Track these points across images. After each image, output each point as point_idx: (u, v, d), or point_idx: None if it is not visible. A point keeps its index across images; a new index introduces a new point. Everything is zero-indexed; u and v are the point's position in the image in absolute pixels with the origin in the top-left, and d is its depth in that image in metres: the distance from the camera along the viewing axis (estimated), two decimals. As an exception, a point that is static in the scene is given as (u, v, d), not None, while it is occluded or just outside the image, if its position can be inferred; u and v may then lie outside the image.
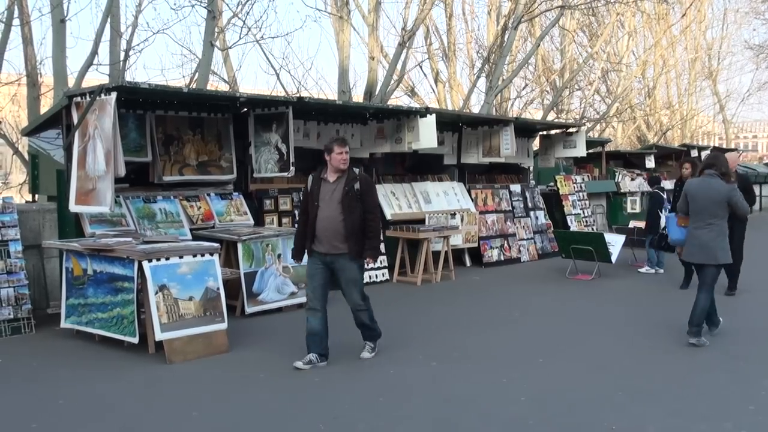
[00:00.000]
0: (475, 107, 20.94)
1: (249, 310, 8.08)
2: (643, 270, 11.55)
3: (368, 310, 6.30)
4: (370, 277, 10.57)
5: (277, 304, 8.36)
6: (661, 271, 11.43)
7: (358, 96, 16.62)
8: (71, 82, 11.35)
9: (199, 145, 9.31)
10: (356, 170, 6.29)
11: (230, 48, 15.51)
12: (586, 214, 15.21)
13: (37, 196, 9.29)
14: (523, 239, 13.39)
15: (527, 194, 13.97)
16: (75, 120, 7.79)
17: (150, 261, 6.36)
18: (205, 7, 11.98)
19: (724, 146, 30.31)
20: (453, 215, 11.91)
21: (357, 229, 6.04)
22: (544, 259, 13.40)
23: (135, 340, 6.47)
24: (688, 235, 6.91)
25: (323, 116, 10.79)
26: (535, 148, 15.42)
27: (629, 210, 16.70)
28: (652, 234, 11.50)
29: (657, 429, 4.66)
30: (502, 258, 12.78)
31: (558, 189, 14.88)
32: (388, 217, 11.15)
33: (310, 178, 6.35)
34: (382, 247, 10.58)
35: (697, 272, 7.25)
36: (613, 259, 11.07)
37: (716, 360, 6.29)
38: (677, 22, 27.90)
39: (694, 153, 20.48)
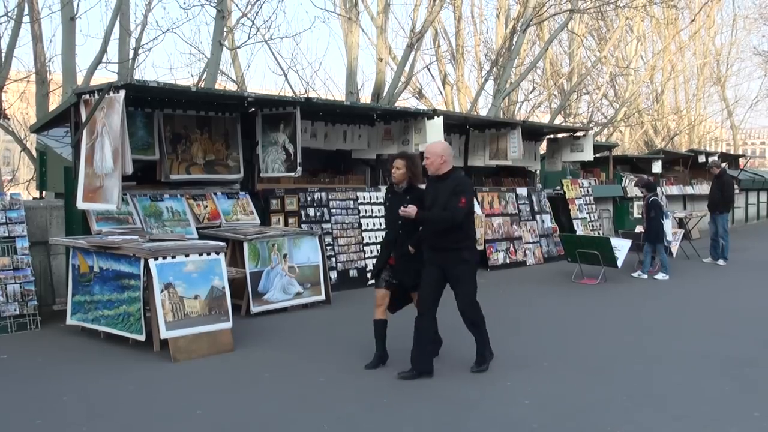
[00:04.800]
0: (483, 110, 20.92)
1: (254, 309, 8.09)
2: (635, 275, 11.49)
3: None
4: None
5: (283, 304, 8.37)
6: (667, 276, 11.40)
7: (365, 97, 16.63)
8: (80, 80, 11.40)
9: (207, 144, 9.33)
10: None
11: (239, 48, 15.56)
12: (592, 218, 15.18)
13: (44, 192, 9.32)
14: (529, 243, 13.37)
15: (534, 197, 13.95)
16: (83, 117, 7.82)
17: (156, 259, 6.37)
18: (214, 7, 12.01)
19: (732, 152, 30.19)
20: (459, 218, 11.88)
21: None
22: (550, 262, 13.37)
23: (142, 337, 6.48)
24: None
25: (331, 117, 10.80)
26: (542, 152, 15.41)
27: (636, 215, 16.64)
28: (659, 242, 11.46)
29: (661, 434, 4.65)
30: (507, 261, 12.76)
31: (564, 193, 14.85)
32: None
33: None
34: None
35: None
36: (619, 263, 11.03)
37: (721, 366, 6.26)
38: (686, 27, 27.84)
39: (702, 159, 20.42)
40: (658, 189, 16.81)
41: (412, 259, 5.99)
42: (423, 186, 6.09)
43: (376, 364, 6.08)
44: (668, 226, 11.71)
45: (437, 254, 5.83)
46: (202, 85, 12.64)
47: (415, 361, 5.82)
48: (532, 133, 14.18)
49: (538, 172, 15.28)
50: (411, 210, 5.63)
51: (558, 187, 15.10)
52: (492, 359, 6.09)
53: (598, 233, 14.87)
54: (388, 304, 6.21)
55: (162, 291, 6.33)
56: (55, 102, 12.23)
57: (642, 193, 12.28)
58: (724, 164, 17.64)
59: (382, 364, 6.09)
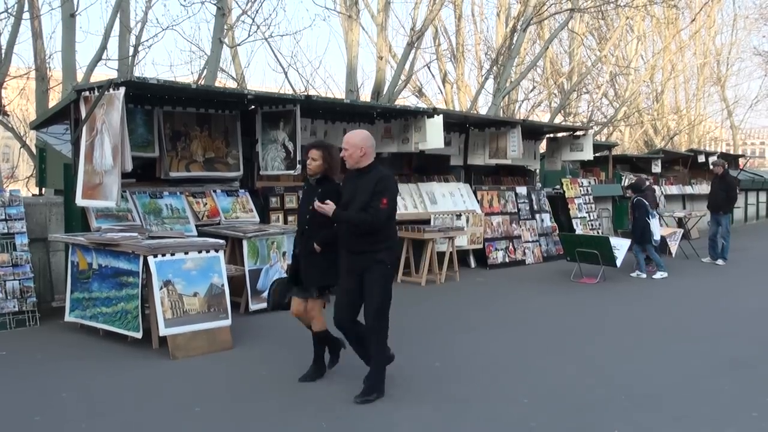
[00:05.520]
0: (483, 109, 20.91)
1: (253, 307, 8.09)
2: (634, 275, 11.50)
3: None
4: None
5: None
6: (665, 274, 11.41)
7: (365, 95, 16.62)
8: (80, 77, 11.39)
9: (207, 141, 9.33)
10: None
11: (239, 45, 15.56)
12: (591, 218, 15.18)
13: (43, 189, 9.32)
14: (529, 241, 13.37)
15: (533, 196, 13.95)
16: (83, 114, 7.81)
17: (155, 256, 6.37)
18: (214, 4, 12.01)
19: (732, 152, 30.20)
20: (458, 216, 11.90)
21: None
22: (549, 261, 13.38)
23: (138, 335, 6.48)
24: None
25: (330, 115, 10.80)
26: (542, 151, 15.41)
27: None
28: (646, 242, 11.47)
29: (660, 434, 4.65)
30: (506, 260, 12.76)
31: (564, 192, 14.86)
32: (394, 216, 11.15)
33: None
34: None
35: None
36: (618, 263, 11.04)
37: (719, 366, 6.27)
38: (686, 27, 27.82)
39: (701, 158, 20.43)
40: (657, 188, 16.86)
41: (317, 259, 5.42)
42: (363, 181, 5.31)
43: (313, 377, 5.64)
44: (655, 225, 11.69)
45: (354, 258, 5.21)
46: (202, 83, 12.63)
47: (368, 359, 5.35)
48: (532, 132, 14.18)
49: (537, 171, 15.28)
50: (328, 207, 5.10)
51: (557, 186, 15.11)
52: (381, 396, 5.19)
53: (598, 232, 14.87)
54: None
55: (161, 288, 6.33)
56: (54, 99, 12.22)
57: (628, 194, 12.34)
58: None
59: (320, 377, 5.65)
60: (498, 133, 12.71)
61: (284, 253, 8.42)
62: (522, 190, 13.79)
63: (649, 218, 11.46)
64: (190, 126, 9.22)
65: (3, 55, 11.36)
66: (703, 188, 19.73)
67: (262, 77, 78.60)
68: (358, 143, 5.19)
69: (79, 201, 7.83)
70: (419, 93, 21.67)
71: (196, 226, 8.72)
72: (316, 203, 5.14)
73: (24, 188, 12.31)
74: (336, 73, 69.76)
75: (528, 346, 6.96)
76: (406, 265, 10.84)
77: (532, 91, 25.13)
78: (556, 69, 25.64)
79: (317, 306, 5.62)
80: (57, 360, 6.21)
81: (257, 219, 9.42)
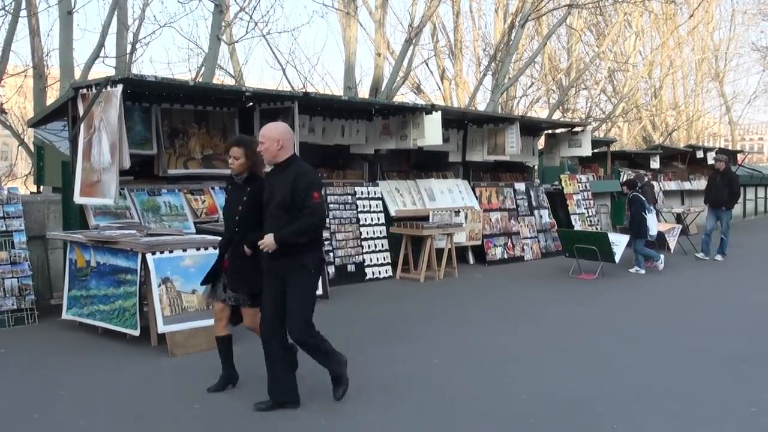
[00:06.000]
0: (481, 105, 20.90)
1: (252, 304, 8.07)
2: (632, 270, 11.50)
3: None
4: (373, 273, 10.59)
5: (280, 298, 8.35)
6: (643, 271, 11.40)
7: (363, 92, 16.60)
8: (78, 74, 11.37)
9: (205, 138, 9.32)
10: None
11: (237, 42, 15.54)
12: (590, 214, 15.19)
13: (42, 187, 9.31)
14: (527, 238, 13.38)
15: (532, 193, 13.96)
16: (81, 112, 7.80)
17: (153, 254, 6.36)
18: (212, 1, 11.98)
19: (730, 148, 30.21)
20: (457, 213, 11.90)
21: None
22: (548, 257, 13.38)
23: (136, 332, 6.48)
24: None
25: (329, 112, 10.79)
26: (540, 147, 15.41)
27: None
28: (642, 237, 11.47)
29: (659, 430, 4.65)
30: (505, 256, 12.77)
31: (562, 188, 14.85)
32: (392, 213, 11.17)
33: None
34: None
35: None
36: (617, 258, 11.05)
37: (718, 361, 6.27)
38: (685, 22, 27.82)
39: (700, 154, 20.42)
40: (655, 184, 16.86)
41: (248, 264, 5.03)
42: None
43: (222, 385, 5.34)
44: (652, 221, 11.70)
45: (275, 263, 4.79)
46: (200, 80, 12.62)
47: (272, 392, 4.94)
48: (531, 128, 14.18)
49: (536, 167, 15.27)
50: (268, 241, 4.67)
51: (556, 183, 15.10)
52: (346, 389, 5.07)
53: (596, 228, 14.88)
54: (230, 316, 5.34)
55: (159, 285, 6.32)
56: (52, 96, 12.19)
57: (624, 191, 12.37)
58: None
59: (232, 386, 5.36)
60: (496, 129, 12.71)
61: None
62: (520, 186, 13.79)
63: (645, 213, 11.46)
64: (188, 123, 9.21)
65: (0, 53, 11.34)
66: (702, 184, 19.72)
67: (260, 74, 78.58)
68: (275, 136, 4.84)
69: (77, 198, 7.83)
70: (417, 89, 21.65)
71: (195, 223, 8.71)
72: (261, 245, 4.71)
73: (22, 186, 12.29)
74: (334, 69, 69.73)
75: (527, 342, 6.96)
76: (405, 262, 10.85)
77: (530, 87, 25.16)
78: (555, 65, 25.64)
79: (226, 310, 5.26)
80: (55, 358, 6.21)
81: (256, 216, 9.39)
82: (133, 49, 12.68)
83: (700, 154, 20.39)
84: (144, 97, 8.78)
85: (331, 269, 9.99)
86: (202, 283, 5.44)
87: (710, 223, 13.28)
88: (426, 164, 12.70)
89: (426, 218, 11.29)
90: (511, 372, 5.88)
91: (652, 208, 11.85)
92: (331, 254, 10.18)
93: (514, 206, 13.41)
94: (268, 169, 5.09)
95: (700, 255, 13.34)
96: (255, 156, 5.03)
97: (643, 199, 11.56)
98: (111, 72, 11.50)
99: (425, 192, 11.92)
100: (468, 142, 13.03)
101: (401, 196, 11.55)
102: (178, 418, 4.79)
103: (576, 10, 19.98)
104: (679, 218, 16.04)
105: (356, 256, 10.53)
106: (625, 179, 14.22)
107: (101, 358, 6.19)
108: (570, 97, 24.83)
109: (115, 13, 11.56)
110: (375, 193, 11.12)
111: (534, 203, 13.90)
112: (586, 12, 22.22)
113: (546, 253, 13.57)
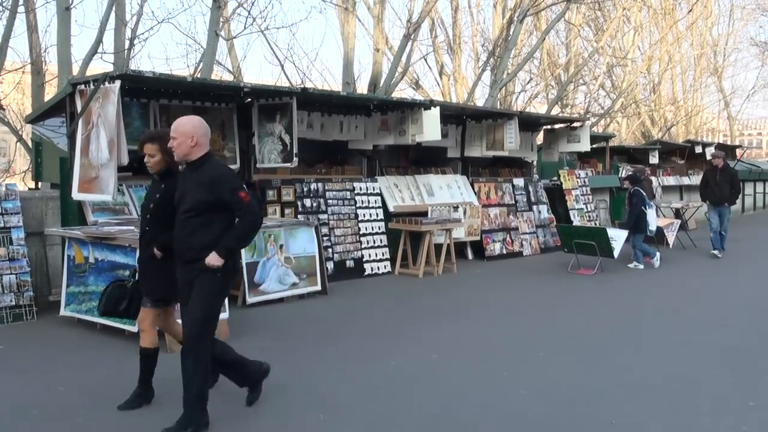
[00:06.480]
0: (480, 100, 20.89)
1: (250, 300, 8.09)
2: (631, 266, 11.51)
3: None
4: (371, 269, 10.60)
5: (279, 294, 8.37)
6: (641, 266, 11.40)
7: (362, 88, 16.60)
8: (75, 70, 11.34)
9: (203, 134, 9.28)
10: None
11: (235, 38, 15.50)
12: (589, 209, 15.19)
13: (40, 183, 9.29)
14: (526, 233, 13.38)
15: (530, 188, 13.96)
16: (79, 108, 7.79)
17: (152, 250, 6.34)
18: (210, -3, 11.95)
19: (729, 143, 30.19)
20: (456, 208, 11.90)
21: None
22: (547, 253, 13.39)
23: (135, 328, 6.46)
24: None
25: (327, 107, 10.78)
26: (539, 142, 15.40)
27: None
28: (641, 233, 11.47)
29: (657, 424, 4.66)
30: (504, 252, 12.77)
31: (561, 183, 14.85)
32: (391, 209, 11.17)
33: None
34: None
35: None
36: (616, 254, 11.05)
37: (717, 355, 6.28)
38: (683, 17, 27.79)
39: (699, 149, 20.42)
40: (654, 179, 16.84)
41: (157, 267, 4.70)
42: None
43: (137, 403, 4.93)
44: (652, 216, 11.69)
45: (185, 268, 4.39)
46: (198, 76, 12.59)
47: (241, 381, 4.80)
48: (529, 123, 14.18)
49: (534, 162, 15.27)
50: (213, 260, 4.26)
51: (555, 178, 15.10)
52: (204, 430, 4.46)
53: (595, 224, 14.88)
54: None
55: (158, 282, 6.30)
56: (50, 92, 12.18)
57: (625, 185, 12.35)
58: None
59: (146, 403, 4.97)
60: (495, 124, 12.70)
61: (281, 246, 8.42)
62: (519, 181, 13.79)
63: (645, 208, 11.46)
64: (187, 119, 9.19)
65: (-2, 49, 11.32)
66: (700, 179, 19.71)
67: (259, 70, 78.56)
68: (188, 131, 4.44)
69: (76, 195, 7.82)
70: (416, 85, 21.63)
71: (193, 219, 8.68)
72: (208, 265, 4.28)
73: (20, 182, 12.28)
74: (332, 65, 69.75)
75: (525, 337, 6.97)
76: (403, 257, 10.85)
77: (529, 82, 25.12)
78: (553, 60, 25.62)
79: (150, 317, 4.88)
80: (54, 354, 6.21)
81: (254, 212, 9.39)
82: (131, 45, 12.65)
83: (698, 150, 20.39)
84: (142, 93, 8.77)
85: (330, 265, 9.99)
86: (103, 314, 5.16)
87: (715, 220, 13.06)
88: (424, 160, 12.70)
89: (425, 214, 11.29)
90: (510, 367, 5.89)
91: (651, 203, 11.85)
92: (330, 250, 10.18)
93: (513, 202, 13.41)
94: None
95: (716, 252, 13.04)
96: (171, 151, 4.60)
97: (644, 194, 11.56)
98: (109, 68, 11.49)
99: (424, 187, 11.92)
100: (467, 137, 13.03)
101: (400, 191, 11.55)
102: (177, 414, 4.78)
103: (574, 5, 19.95)
104: (677, 213, 16.04)
105: (355, 252, 10.54)
106: (626, 174, 14.19)
107: (100, 354, 6.19)
108: (569, 93, 24.80)
109: (113, 8, 11.53)
110: (374, 189, 11.12)
111: (533, 199, 13.91)
112: (585, 7, 22.18)
113: (545, 249, 13.57)
